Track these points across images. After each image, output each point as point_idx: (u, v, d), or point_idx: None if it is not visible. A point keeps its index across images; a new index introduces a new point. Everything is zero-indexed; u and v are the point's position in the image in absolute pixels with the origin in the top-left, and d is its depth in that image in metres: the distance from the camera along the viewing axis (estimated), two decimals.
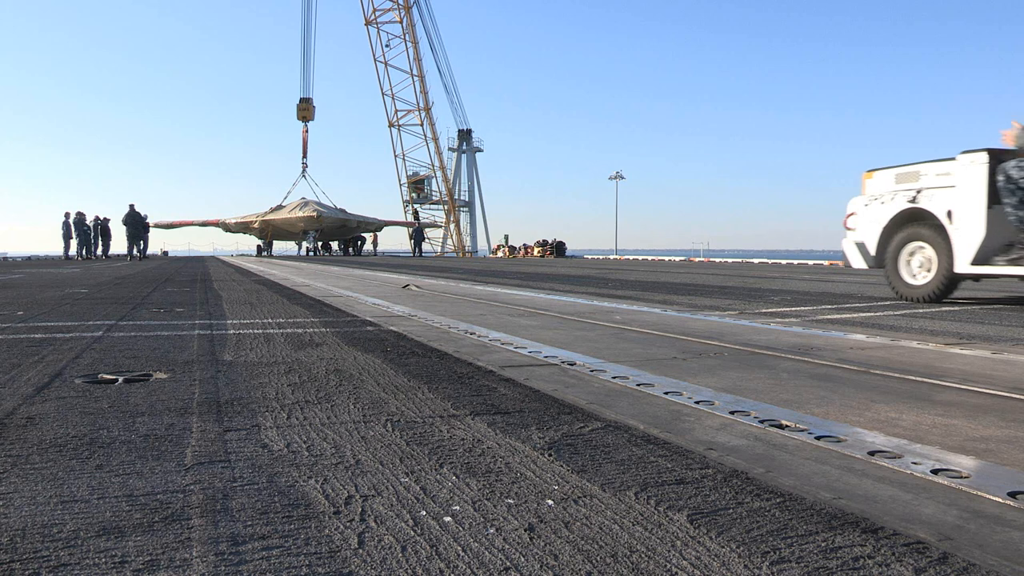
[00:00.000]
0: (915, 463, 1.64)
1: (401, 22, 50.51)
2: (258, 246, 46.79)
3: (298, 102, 48.45)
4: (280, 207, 46.85)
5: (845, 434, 1.89)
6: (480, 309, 5.69)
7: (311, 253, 44.00)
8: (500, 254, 46.88)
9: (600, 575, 1.09)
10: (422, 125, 52.19)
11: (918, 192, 6.46)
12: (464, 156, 56.60)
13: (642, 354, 3.30)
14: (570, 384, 2.59)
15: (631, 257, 34.75)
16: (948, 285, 6.25)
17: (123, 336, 3.95)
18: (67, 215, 28.61)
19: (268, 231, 45.93)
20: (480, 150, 56.99)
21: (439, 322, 4.65)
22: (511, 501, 1.40)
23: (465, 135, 56.38)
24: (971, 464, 1.65)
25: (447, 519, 1.30)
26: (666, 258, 31.11)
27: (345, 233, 47.02)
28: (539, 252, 42.90)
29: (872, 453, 1.72)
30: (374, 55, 51.13)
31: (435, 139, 52.77)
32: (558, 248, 42.97)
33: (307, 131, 48.66)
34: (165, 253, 42.85)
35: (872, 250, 6.93)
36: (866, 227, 7.01)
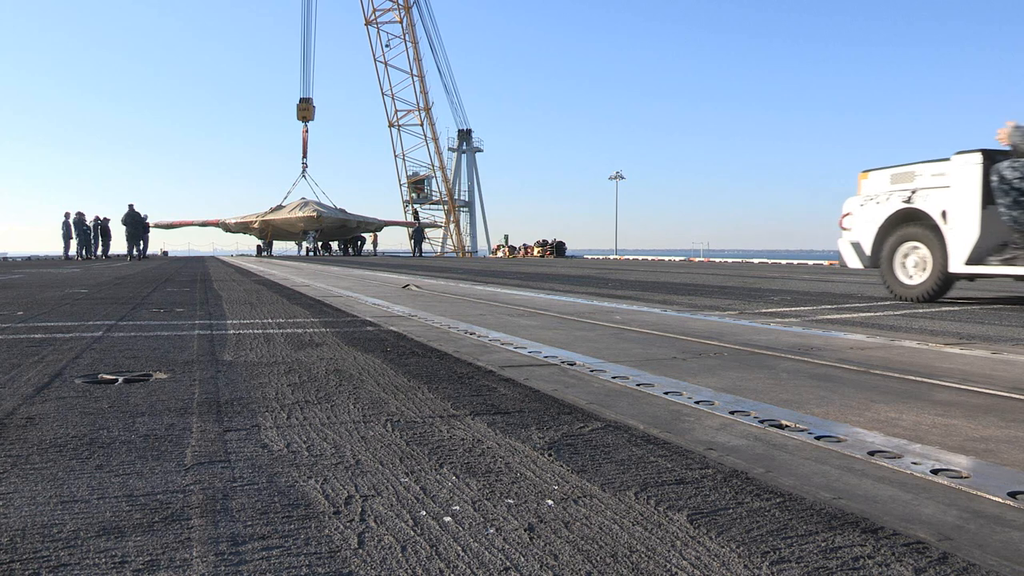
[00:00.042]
0: (915, 463, 1.64)
1: (401, 22, 50.54)
2: (258, 246, 46.78)
3: (298, 102, 48.45)
4: (280, 207, 46.84)
5: (845, 434, 1.89)
6: (480, 309, 5.69)
7: (311, 253, 43.98)
8: (500, 254, 46.88)
9: (600, 575, 1.09)
10: (422, 125, 52.24)
11: (913, 192, 6.49)
12: (464, 156, 56.61)
13: (642, 354, 3.30)
14: (570, 384, 2.59)
15: (631, 257, 34.76)
16: (943, 285, 6.30)
17: (123, 336, 3.95)
18: (67, 215, 28.60)
19: (268, 231, 45.92)
20: (480, 150, 57.03)
21: (439, 322, 4.65)
22: (511, 501, 1.40)
23: (465, 135, 56.38)
24: (971, 464, 1.65)
25: (447, 519, 1.30)
26: (666, 258, 31.11)
27: (345, 233, 47.01)
28: (539, 252, 42.90)
29: (872, 453, 1.72)
30: (374, 55, 51.17)
31: (435, 139, 52.81)
32: (558, 248, 42.97)
33: (307, 131, 48.68)
34: (165, 253, 42.83)
35: (868, 250, 6.97)
36: (862, 227, 7.05)
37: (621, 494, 1.44)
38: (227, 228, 48.82)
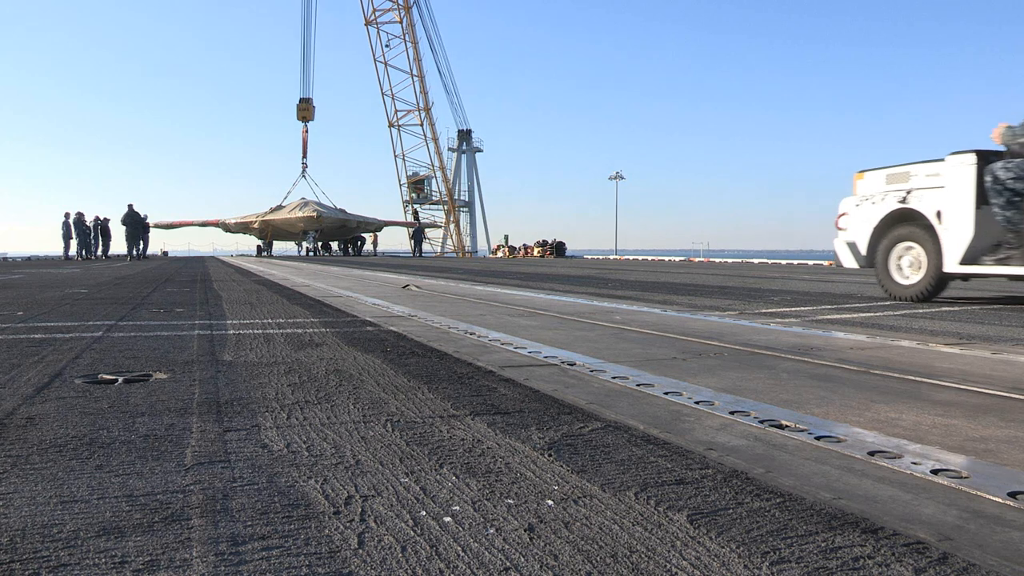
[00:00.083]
0: (915, 463, 1.64)
1: (401, 22, 50.54)
2: (258, 246, 46.78)
3: (298, 102, 48.46)
4: (280, 207, 46.84)
5: (845, 434, 1.89)
6: (480, 309, 5.69)
7: (311, 253, 43.98)
8: (500, 254, 46.89)
9: (600, 575, 1.09)
10: (422, 125, 52.24)
11: (908, 193, 6.53)
12: (464, 156, 56.61)
13: (642, 354, 3.30)
14: (570, 384, 2.59)
15: (631, 257, 34.76)
16: (937, 284, 6.34)
17: (123, 336, 3.95)
18: (67, 215, 28.61)
19: (268, 231, 45.92)
20: (480, 150, 57.03)
21: (439, 322, 4.65)
22: (511, 501, 1.40)
23: (465, 135, 56.39)
24: (971, 464, 1.65)
25: (447, 519, 1.30)
26: (666, 258, 31.11)
27: (345, 233, 47.01)
28: (539, 252, 42.90)
29: (872, 453, 1.72)
30: (374, 55, 51.18)
31: (435, 139, 52.82)
32: (558, 248, 42.98)
33: (307, 131, 48.70)
34: (165, 253, 42.84)
35: (863, 250, 7.01)
36: (857, 227, 7.09)
37: (621, 494, 1.44)
38: (227, 228, 48.81)
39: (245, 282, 9.97)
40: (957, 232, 6.06)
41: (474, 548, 1.18)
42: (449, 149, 55.56)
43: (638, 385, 2.54)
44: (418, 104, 51.71)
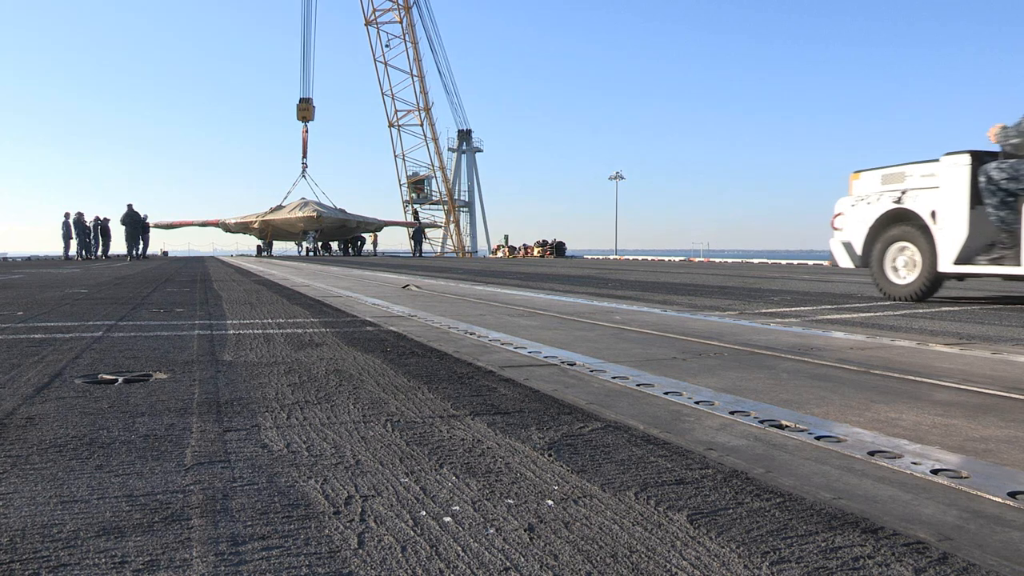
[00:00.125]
0: (915, 463, 1.64)
1: (401, 22, 50.54)
2: (258, 246, 46.77)
3: (298, 102, 48.45)
4: (280, 207, 46.84)
5: (845, 434, 1.89)
6: (480, 309, 5.69)
7: (311, 253, 43.97)
8: (500, 254, 46.88)
9: (600, 575, 1.09)
10: (422, 125, 52.24)
11: (903, 193, 6.56)
12: (464, 156, 56.61)
13: (642, 354, 3.30)
14: (570, 384, 2.59)
15: (631, 257, 34.76)
16: (932, 284, 6.37)
17: (123, 336, 3.95)
18: (67, 215, 28.60)
19: (268, 231, 45.92)
20: (480, 150, 57.02)
21: (439, 322, 4.65)
22: (511, 501, 1.40)
23: (465, 135, 56.38)
24: (971, 464, 1.65)
25: (447, 519, 1.30)
26: (666, 258, 31.11)
27: (345, 233, 47.01)
28: (539, 252, 42.91)
29: (872, 453, 1.72)
30: (374, 55, 51.17)
31: (435, 139, 52.81)
32: (558, 248, 42.98)
33: (307, 131, 48.69)
34: (165, 253, 42.84)
35: (859, 250, 7.04)
36: (853, 227, 7.12)
37: (621, 494, 1.44)
38: (227, 228, 48.81)
39: (245, 282, 9.97)
40: (951, 232, 6.09)
41: (474, 548, 1.18)
42: (449, 149, 55.62)
43: (638, 385, 2.54)
44: (418, 104, 51.75)
